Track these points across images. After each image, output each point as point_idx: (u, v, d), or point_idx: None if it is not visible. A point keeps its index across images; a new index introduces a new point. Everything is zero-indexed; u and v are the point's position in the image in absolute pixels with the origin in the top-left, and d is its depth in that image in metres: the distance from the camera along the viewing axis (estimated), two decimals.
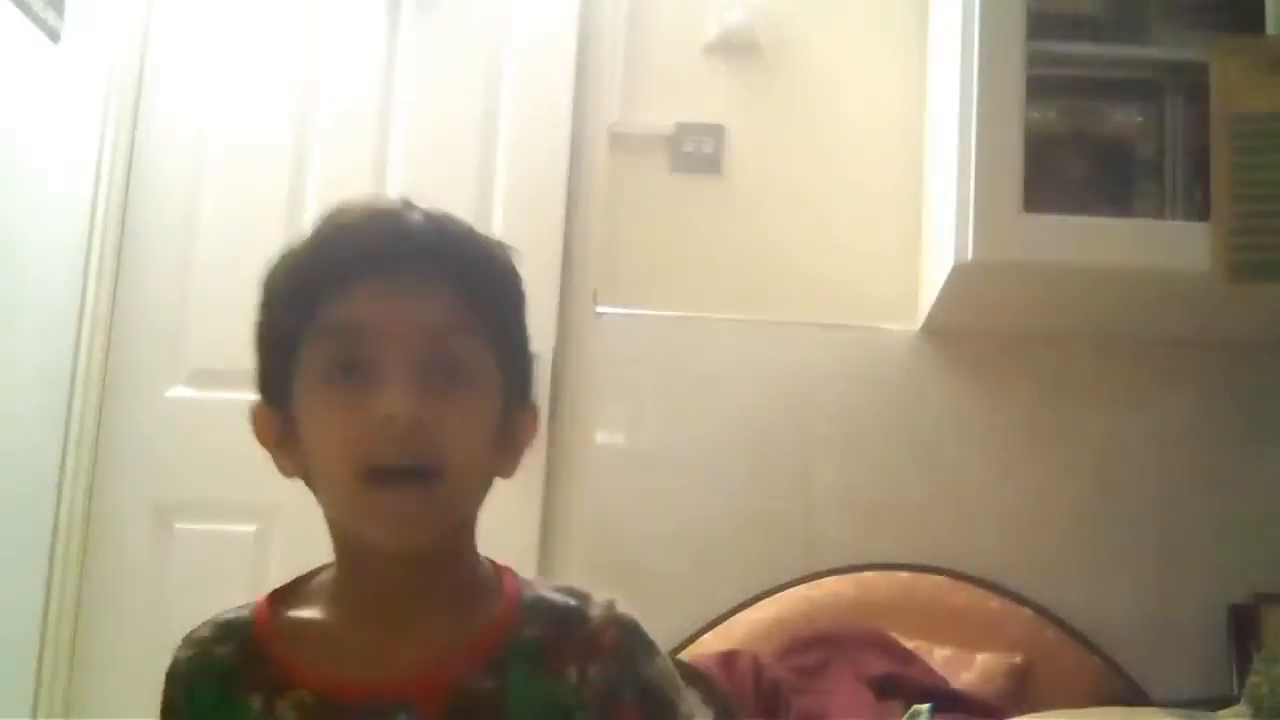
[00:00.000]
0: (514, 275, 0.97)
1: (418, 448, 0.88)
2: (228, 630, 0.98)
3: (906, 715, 1.93)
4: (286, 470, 0.97)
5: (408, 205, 0.94)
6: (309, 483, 0.96)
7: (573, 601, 0.97)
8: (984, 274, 2.17)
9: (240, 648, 0.96)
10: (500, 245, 0.97)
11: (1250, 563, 2.38)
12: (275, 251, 0.98)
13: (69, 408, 2.46)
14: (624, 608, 0.98)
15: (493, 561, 1.00)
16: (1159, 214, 2.20)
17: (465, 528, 0.97)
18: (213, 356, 2.57)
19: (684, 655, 2.28)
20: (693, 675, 1.99)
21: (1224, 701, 1.99)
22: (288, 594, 1.00)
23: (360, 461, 0.89)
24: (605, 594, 0.99)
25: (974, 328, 2.51)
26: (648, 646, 0.97)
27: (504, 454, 0.96)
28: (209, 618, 1.00)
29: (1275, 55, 2.08)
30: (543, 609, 0.96)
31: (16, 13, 2.20)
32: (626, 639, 0.96)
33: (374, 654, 0.93)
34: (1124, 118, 2.26)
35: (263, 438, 0.98)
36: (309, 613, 0.97)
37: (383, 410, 0.87)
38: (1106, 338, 2.49)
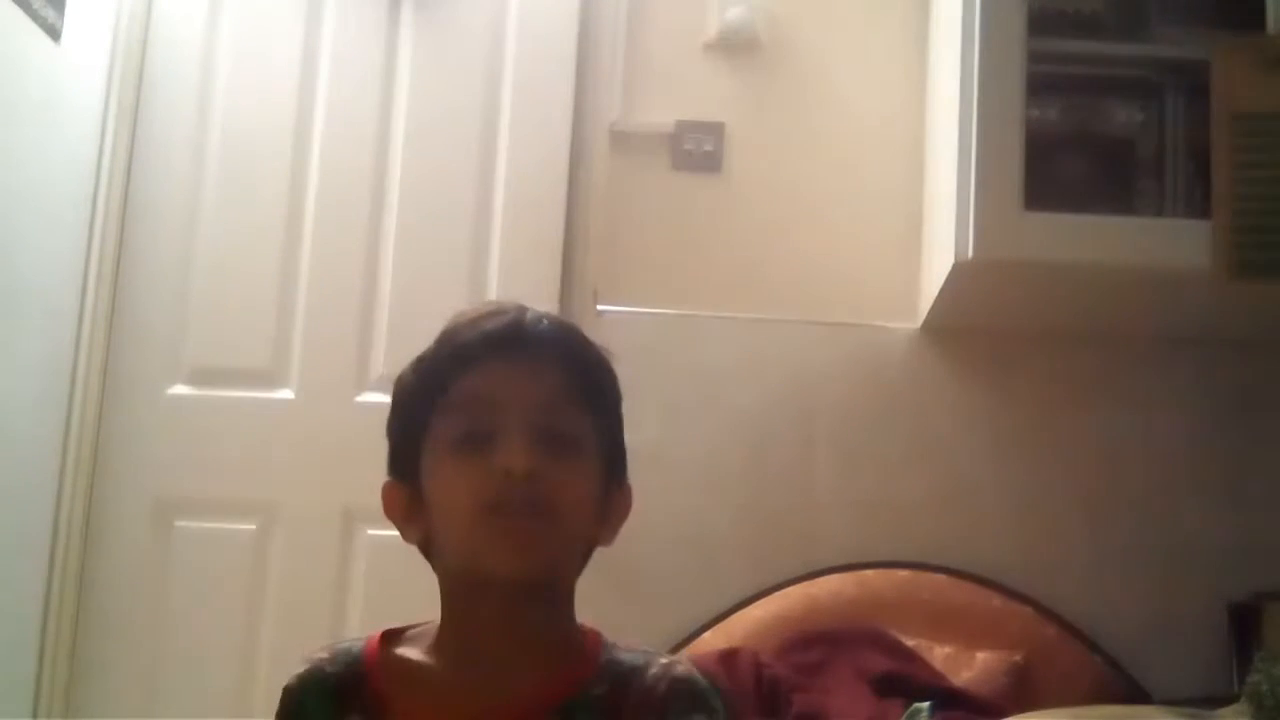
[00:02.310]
0: (612, 374, 1.12)
1: (532, 495, 1.01)
2: (342, 655, 1.08)
3: (907, 713, 1.93)
4: (409, 537, 1.10)
5: (522, 308, 1.10)
6: (427, 553, 1.09)
7: (640, 662, 1.07)
8: (984, 272, 2.17)
9: (350, 672, 1.07)
10: (602, 348, 1.12)
11: (1251, 561, 2.38)
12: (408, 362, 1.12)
13: (69, 406, 2.46)
14: (684, 667, 1.07)
15: (584, 627, 1.10)
16: (1159, 212, 2.20)
17: (564, 581, 1.08)
18: (212, 355, 2.57)
19: (684, 653, 2.29)
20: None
21: (1225, 700, 1.98)
22: (397, 635, 1.10)
23: (483, 500, 1.02)
24: (672, 655, 1.10)
25: (974, 326, 2.51)
26: (692, 702, 1.04)
27: (602, 525, 1.08)
28: (328, 644, 1.11)
29: (1276, 54, 2.08)
30: (613, 669, 1.06)
31: (17, 11, 2.19)
32: (672, 694, 1.04)
33: (462, 699, 1.04)
34: (1124, 116, 2.26)
35: (390, 509, 1.11)
36: (413, 654, 1.08)
37: (502, 464, 1.01)
38: (1107, 336, 2.49)
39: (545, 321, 1.09)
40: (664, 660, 1.07)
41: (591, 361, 1.10)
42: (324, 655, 1.09)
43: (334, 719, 1.05)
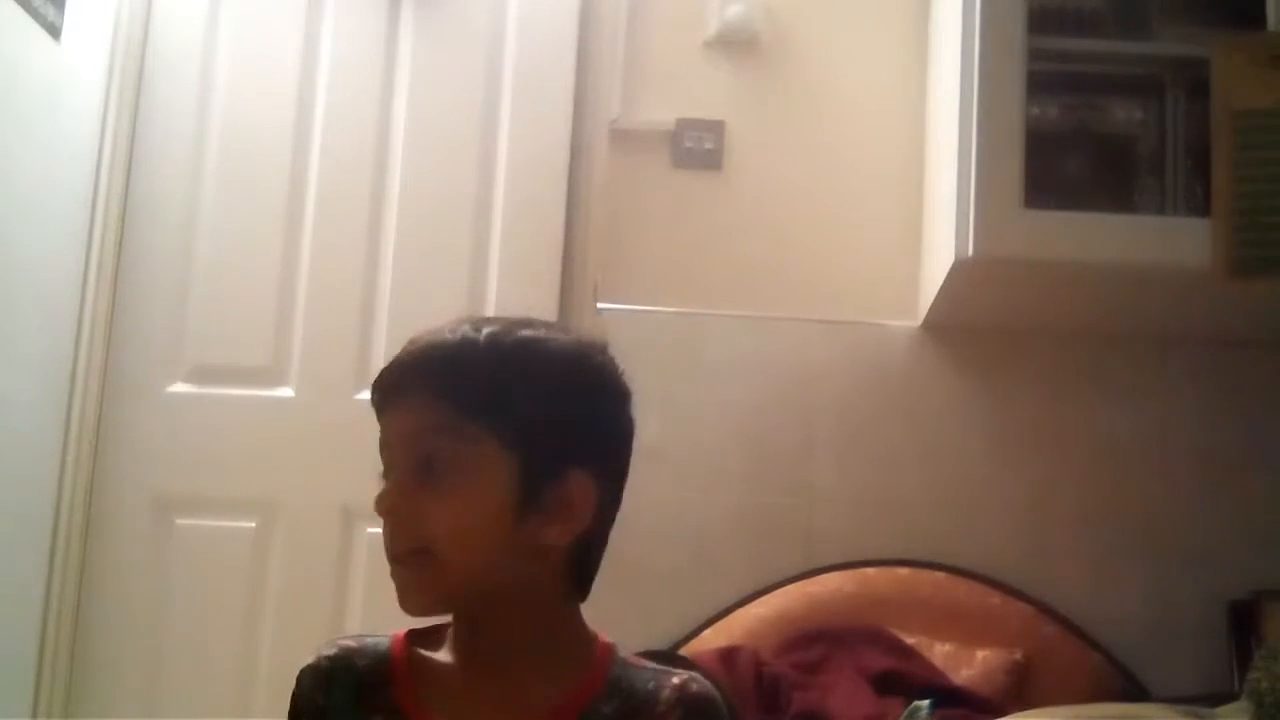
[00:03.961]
0: (529, 368, 1.08)
1: (401, 534, 1.05)
2: (369, 648, 1.10)
3: (906, 712, 1.93)
4: None
5: (442, 329, 1.10)
6: None
7: (651, 684, 1.07)
8: (985, 270, 2.17)
9: (376, 669, 1.09)
10: (523, 345, 1.09)
11: (1250, 558, 2.38)
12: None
13: (69, 403, 2.46)
14: (698, 685, 1.07)
15: (594, 633, 1.11)
16: (1160, 210, 2.21)
17: (514, 600, 1.07)
18: (213, 353, 2.57)
19: (684, 651, 2.29)
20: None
21: (1224, 697, 1.99)
22: (421, 635, 1.12)
23: (385, 545, 1.07)
24: (686, 669, 1.10)
25: (975, 324, 2.51)
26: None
27: (540, 521, 1.06)
28: (355, 635, 1.13)
29: (1276, 51, 2.08)
30: (623, 686, 1.07)
31: (17, 9, 2.19)
32: (686, 717, 1.05)
33: (472, 706, 1.06)
34: (1125, 114, 2.26)
35: None
36: (433, 656, 1.10)
37: (377, 509, 1.06)
38: (1107, 333, 2.49)
39: (431, 350, 1.08)
40: (676, 680, 1.07)
41: (486, 374, 1.07)
42: (352, 644, 1.10)
43: (356, 712, 1.06)
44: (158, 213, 2.59)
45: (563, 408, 1.09)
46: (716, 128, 2.65)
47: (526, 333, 1.10)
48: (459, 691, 1.07)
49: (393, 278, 2.57)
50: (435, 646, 1.10)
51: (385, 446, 1.09)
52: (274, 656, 2.44)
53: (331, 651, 1.09)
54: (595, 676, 1.07)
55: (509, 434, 1.06)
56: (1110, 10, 2.26)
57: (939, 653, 2.28)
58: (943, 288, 2.29)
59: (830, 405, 2.52)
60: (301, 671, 1.09)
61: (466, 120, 2.62)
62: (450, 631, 1.11)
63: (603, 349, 1.13)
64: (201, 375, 2.56)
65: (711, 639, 2.34)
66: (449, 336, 1.09)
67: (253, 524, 2.50)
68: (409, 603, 1.05)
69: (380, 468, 1.09)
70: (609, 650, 1.10)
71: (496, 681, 1.06)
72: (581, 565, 1.10)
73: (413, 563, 1.05)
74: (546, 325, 1.13)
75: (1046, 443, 2.50)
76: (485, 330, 1.09)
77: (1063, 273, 2.18)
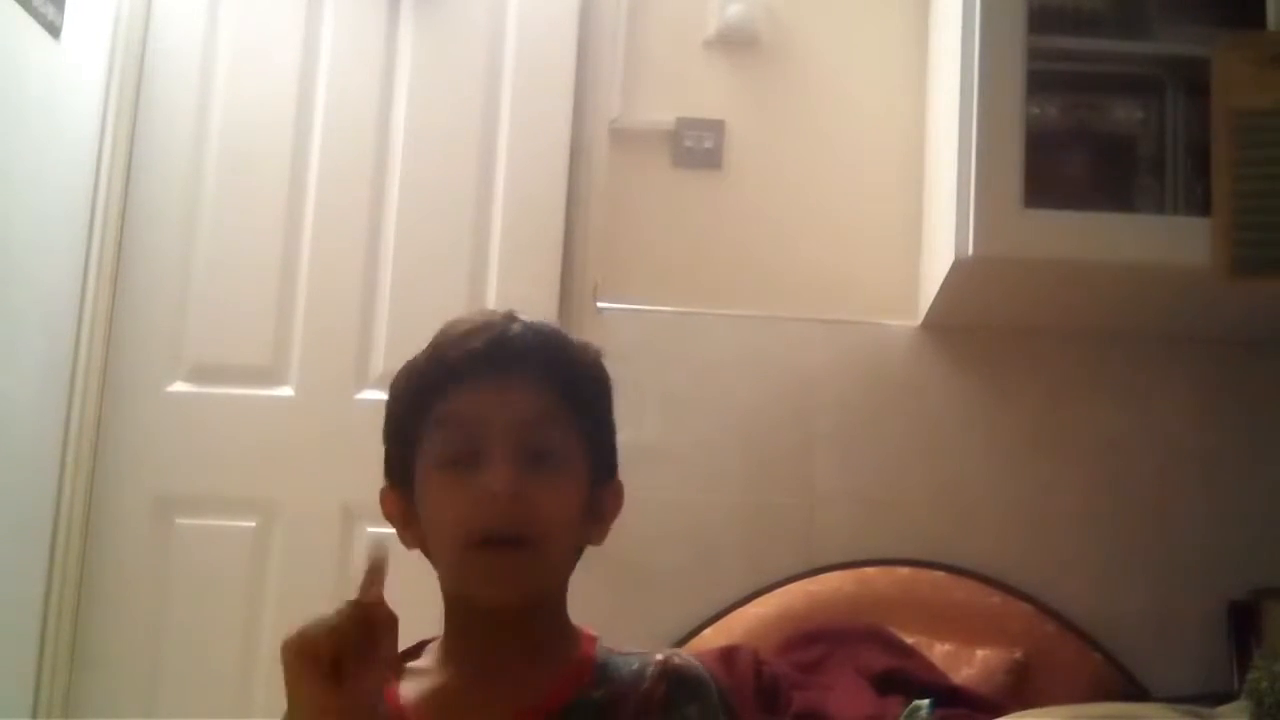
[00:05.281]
0: (599, 372, 1.13)
1: (515, 518, 1.03)
2: None
3: (906, 711, 1.94)
4: (408, 543, 1.11)
5: (510, 317, 1.10)
6: (427, 554, 1.10)
7: (635, 666, 1.08)
8: (984, 270, 2.17)
9: None
10: (588, 348, 1.13)
11: (1251, 558, 2.38)
12: (401, 364, 1.13)
13: (69, 403, 2.46)
14: (679, 659, 1.09)
15: (576, 627, 1.12)
16: (1160, 210, 2.20)
17: (555, 592, 1.10)
18: (213, 352, 2.57)
19: (684, 650, 2.28)
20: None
21: (1224, 697, 1.99)
22: (410, 652, 1.11)
23: (469, 530, 1.04)
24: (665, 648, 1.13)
25: (975, 323, 2.51)
26: (691, 691, 1.06)
27: (592, 524, 1.10)
28: None
29: (1276, 51, 2.08)
30: (610, 674, 1.08)
31: (17, 8, 2.19)
32: (671, 690, 1.06)
33: (465, 707, 1.06)
34: (1125, 113, 2.26)
35: (389, 515, 1.13)
36: (422, 665, 1.10)
37: (486, 487, 1.03)
38: (1107, 333, 2.49)
39: (530, 333, 1.09)
40: (659, 657, 1.08)
41: (576, 368, 1.10)
42: None
43: None
44: (158, 213, 2.59)
45: (611, 413, 1.14)
46: (716, 127, 2.65)
47: (568, 334, 1.13)
48: (451, 694, 1.07)
49: (393, 277, 2.57)
50: (424, 657, 1.11)
51: (472, 424, 1.05)
52: (274, 656, 2.42)
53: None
54: (583, 667, 1.08)
55: (587, 433, 1.09)
56: (1110, 10, 2.26)
57: (939, 653, 2.28)
58: (942, 287, 2.29)
59: (830, 404, 2.52)
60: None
61: (466, 120, 2.61)
62: (439, 640, 1.11)
63: None
64: (201, 375, 2.56)
65: (711, 639, 2.34)
66: (540, 325, 1.10)
67: (253, 524, 2.50)
68: (518, 589, 1.04)
69: (444, 451, 1.06)
70: (594, 641, 1.11)
71: (489, 681, 1.07)
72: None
73: (512, 550, 1.03)
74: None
75: (1046, 442, 2.50)
76: (547, 325, 1.11)
77: (1063, 272, 2.18)
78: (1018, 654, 2.29)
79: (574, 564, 1.11)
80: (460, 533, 1.04)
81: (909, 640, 2.28)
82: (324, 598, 2.73)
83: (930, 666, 2.23)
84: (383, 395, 1.15)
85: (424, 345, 1.12)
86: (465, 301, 2.51)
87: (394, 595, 1.06)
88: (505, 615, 1.06)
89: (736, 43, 2.66)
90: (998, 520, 2.47)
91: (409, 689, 1.08)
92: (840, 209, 2.62)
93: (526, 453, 1.04)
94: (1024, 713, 1.96)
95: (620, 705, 1.05)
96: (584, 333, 2.49)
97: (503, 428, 1.04)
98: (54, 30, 2.31)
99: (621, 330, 2.53)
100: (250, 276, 2.58)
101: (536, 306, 2.45)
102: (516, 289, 2.53)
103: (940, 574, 2.42)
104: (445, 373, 1.07)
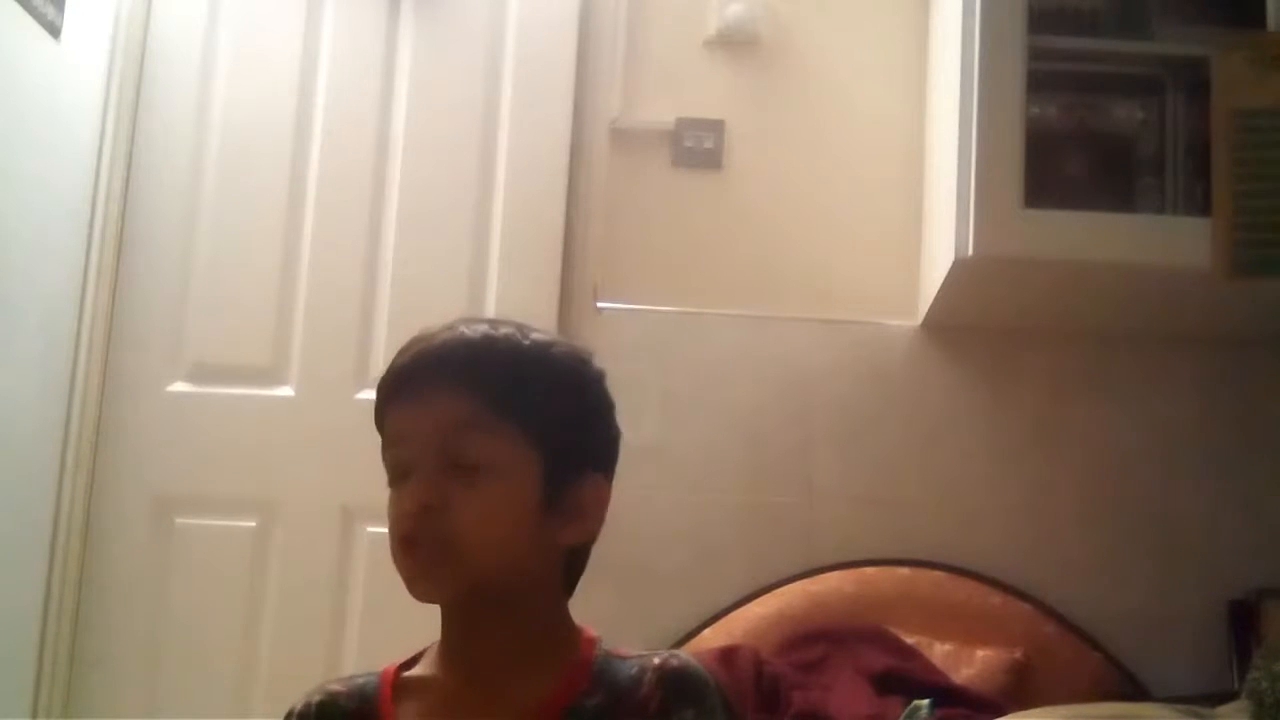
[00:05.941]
0: (551, 369, 1.10)
1: (429, 526, 1.04)
2: (357, 691, 1.11)
3: (907, 711, 1.94)
4: None
5: (448, 327, 1.10)
6: None
7: (633, 670, 1.08)
8: (984, 269, 2.17)
9: (362, 708, 1.09)
10: (542, 346, 1.11)
11: (1251, 558, 2.38)
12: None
13: (69, 403, 2.46)
14: (678, 660, 1.08)
15: (577, 628, 1.12)
16: (1160, 210, 2.20)
17: (523, 597, 1.08)
18: (213, 352, 2.57)
19: (684, 650, 2.28)
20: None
21: (1224, 697, 1.98)
22: (412, 660, 1.13)
23: (399, 534, 1.06)
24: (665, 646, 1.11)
25: (974, 323, 2.51)
26: (687, 695, 1.06)
27: (561, 522, 1.08)
28: (346, 677, 1.13)
29: (1276, 51, 2.08)
30: (608, 679, 1.07)
31: (17, 8, 2.19)
32: (667, 696, 1.05)
33: (459, 710, 1.07)
34: (1125, 113, 2.26)
35: None
36: (420, 672, 1.11)
37: (402, 502, 1.06)
38: (1107, 333, 2.49)
39: (456, 342, 1.09)
40: (656, 661, 1.08)
41: (510, 369, 1.08)
42: (339, 688, 1.11)
43: None
44: (158, 212, 2.59)
45: (580, 410, 1.12)
46: (716, 127, 2.65)
47: (536, 335, 1.12)
48: (447, 699, 1.08)
49: (393, 277, 2.57)
50: (422, 665, 1.11)
51: (402, 440, 1.08)
52: (274, 656, 2.44)
53: (318, 697, 1.10)
54: (580, 672, 1.08)
55: (534, 433, 1.07)
56: (1110, 10, 2.26)
57: (939, 653, 2.27)
58: (942, 287, 2.29)
59: (830, 404, 2.52)
60: (287, 714, 1.10)
61: (466, 120, 2.61)
62: (437, 643, 1.11)
63: (593, 356, 1.15)
64: (201, 375, 2.56)
65: (712, 639, 2.34)
66: (468, 333, 1.09)
67: (253, 524, 2.50)
68: (421, 590, 1.05)
69: (389, 466, 1.08)
70: (593, 644, 1.11)
71: (484, 684, 1.07)
72: (575, 564, 1.12)
73: (433, 553, 1.04)
74: (536, 329, 1.13)
75: (1046, 442, 2.50)
76: (501, 330, 1.10)
77: (1063, 272, 2.18)
78: (1018, 654, 2.29)
79: (548, 563, 1.10)
80: (394, 537, 1.07)
81: (909, 640, 2.28)
82: (324, 598, 2.73)
83: (930, 666, 2.23)
84: None
85: None
86: (465, 301, 2.51)
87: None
88: (456, 612, 1.08)
89: (736, 43, 2.66)
90: (998, 520, 2.47)
91: (403, 696, 1.09)
92: (840, 209, 2.62)
93: (448, 461, 1.05)
94: (1024, 713, 1.95)
95: (615, 712, 1.05)
96: (584, 333, 2.50)
97: (422, 441, 1.06)
98: (54, 30, 2.31)
99: (621, 330, 2.53)
100: (250, 276, 2.58)
101: (536, 306, 2.46)
102: (516, 289, 2.53)
103: (940, 574, 2.42)
104: (383, 393, 1.10)
